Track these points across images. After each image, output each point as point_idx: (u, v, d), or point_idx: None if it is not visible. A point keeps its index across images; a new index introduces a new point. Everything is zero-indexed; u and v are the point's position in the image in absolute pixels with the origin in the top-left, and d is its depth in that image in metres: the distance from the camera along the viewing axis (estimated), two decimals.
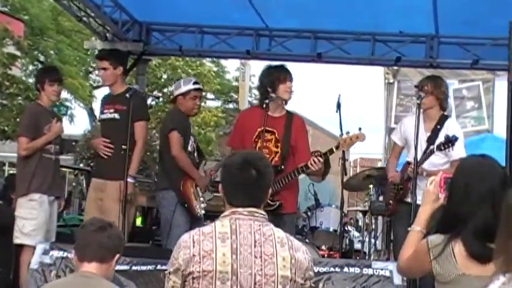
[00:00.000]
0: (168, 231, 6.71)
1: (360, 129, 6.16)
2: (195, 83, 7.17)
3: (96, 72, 16.35)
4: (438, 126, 6.56)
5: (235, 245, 3.22)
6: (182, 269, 3.21)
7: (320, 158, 6.07)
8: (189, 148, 6.91)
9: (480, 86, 14.29)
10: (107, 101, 7.04)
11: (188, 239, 3.25)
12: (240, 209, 3.32)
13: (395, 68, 13.52)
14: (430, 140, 6.49)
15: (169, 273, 3.28)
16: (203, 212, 6.81)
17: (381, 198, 8.56)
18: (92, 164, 7.08)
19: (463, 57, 8.68)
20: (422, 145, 6.44)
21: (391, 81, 14.87)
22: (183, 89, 6.98)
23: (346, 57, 9.01)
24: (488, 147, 9.63)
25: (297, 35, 8.85)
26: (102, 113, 7.02)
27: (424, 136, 6.48)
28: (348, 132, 6.15)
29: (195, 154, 7.03)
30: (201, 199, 6.83)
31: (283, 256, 3.25)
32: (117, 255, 3.69)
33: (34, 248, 5.94)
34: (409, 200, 6.26)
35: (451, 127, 6.64)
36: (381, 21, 8.35)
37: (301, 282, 3.29)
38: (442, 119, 6.61)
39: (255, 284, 3.19)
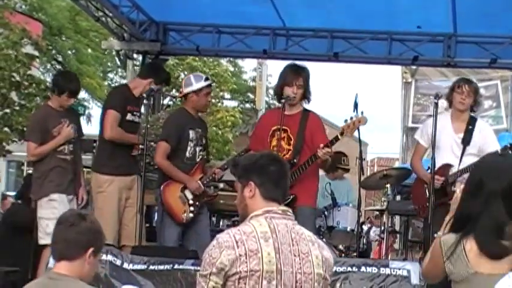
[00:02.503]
0: (160, 231, 6.78)
1: (362, 112, 6.16)
2: (206, 79, 7.14)
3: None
4: (470, 127, 6.48)
5: (277, 244, 3.27)
6: (227, 269, 3.19)
7: (328, 148, 6.05)
8: (188, 154, 6.82)
9: (498, 84, 14.24)
10: (135, 102, 7.00)
11: (229, 238, 3.24)
12: (274, 208, 3.37)
13: (414, 67, 13.49)
14: (465, 141, 6.42)
15: (209, 274, 3.22)
16: (191, 215, 6.75)
17: (397, 197, 8.53)
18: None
19: (481, 56, 8.64)
20: (454, 147, 6.38)
21: (409, 80, 14.85)
22: (196, 86, 6.92)
23: (363, 57, 8.99)
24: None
25: (313, 34, 8.84)
26: (132, 113, 6.96)
27: (454, 137, 6.40)
28: (351, 118, 6.13)
29: (199, 157, 6.92)
30: (190, 202, 6.77)
31: (315, 254, 3.34)
32: (91, 250, 3.46)
33: None
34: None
35: (484, 128, 6.61)
36: (398, 20, 8.33)
37: (329, 279, 3.40)
38: (472, 120, 6.56)
39: (296, 282, 3.26)
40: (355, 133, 6.33)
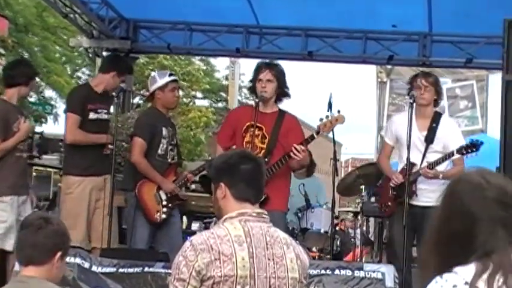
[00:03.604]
0: (131, 233, 6.75)
1: (338, 111, 6.12)
2: (170, 74, 7.16)
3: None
4: (434, 124, 6.46)
5: (251, 248, 3.24)
6: (203, 273, 3.17)
7: (302, 146, 6.02)
8: (160, 151, 6.82)
9: (474, 85, 14.35)
10: (98, 99, 6.93)
11: (204, 241, 3.21)
12: (248, 210, 3.34)
13: (389, 66, 13.56)
14: (428, 139, 6.42)
15: (188, 278, 3.17)
16: (164, 216, 6.74)
17: (372, 199, 8.55)
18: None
19: (456, 56, 8.71)
20: (418, 144, 6.36)
21: (384, 80, 14.93)
22: (160, 82, 6.92)
23: (338, 56, 9.03)
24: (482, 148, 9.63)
25: (287, 32, 8.86)
26: (95, 111, 6.90)
27: (418, 135, 6.38)
28: (327, 116, 6.11)
29: (170, 156, 6.93)
30: (164, 203, 6.77)
31: (290, 258, 3.32)
32: (59, 253, 3.42)
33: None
34: (414, 202, 6.23)
35: (448, 125, 6.61)
36: (374, 19, 8.38)
37: (304, 282, 3.38)
38: (437, 117, 6.55)
39: (269, 287, 3.24)
40: (330, 133, 6.34)
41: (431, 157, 6.34)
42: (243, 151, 3.55)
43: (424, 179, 6.29)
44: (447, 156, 6.28)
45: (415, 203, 6.24)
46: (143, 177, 6.74)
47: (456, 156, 6.29)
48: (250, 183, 3.39)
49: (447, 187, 2.33)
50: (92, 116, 6.81)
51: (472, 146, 6.19)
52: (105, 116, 6.96)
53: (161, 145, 6.80)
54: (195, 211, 8.88)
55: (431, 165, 6.28)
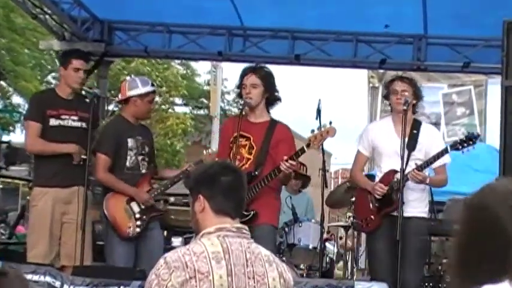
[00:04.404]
0: (107, 250, 6.74)
1: (330, 122, 6.06)
2: (152, 84, 7.14)
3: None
4: (415, 131, 6.42)
5: (230, 266, 3.24)
6: None
7: (292, 161, 6.02)
8: (129, 163, 6.79)
9: (472, 90, 14.40)
10: (62, 104, 6.86)
11: (178, 259, 3.21)
12: (227, 225, 3.33)
13: (381, 71, 13.59)
14: (410, 146, 6.35)
15: None
16: (138, 230, 6.71)
17: None
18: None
19: (453, 60, 8.75)
20: (399, 152, 6.22)
21: (376, 85, 14.96)
22: (142, 90, 6.86)
23: (327, 59, 9.06)
24: (482, 158, 9.68)
25: (273, 34, 8.88)
26: (58, 117, 6.83)
27: (398, 142, 6.27)
28: (318, 128, 6.08)
29: (143, 167, 6.89)
30: (137, 216, 6.74)
31: (273, 276, 3.32)
32: None
33: None
34: (395, 213, 6.22)
35: (429, 131, 6.59)
36: (365, 20, 8.40)
37: None
38: (416, 124, 6.52)
39: None
40: None
41: (413, 165, 6.34)
42: (223, 162, 3.56)
43: (407, 188, 6.27)
44: (439, 154, 6.25)
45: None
46: (108, 190, 6.71)
47: (438, 163, 6.29)
48: (230, 196, 3.39)
49: (472, 199, 2.18)
50: (54, 122, 6.73)
51: (468, 140, 6.15)
52: (74, 124, 6.84)
53: (129, 157, 6.75)
54: (175, 226, 8.86)
55: (421, 167, 6.26)
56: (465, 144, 6.15)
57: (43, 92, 7.39)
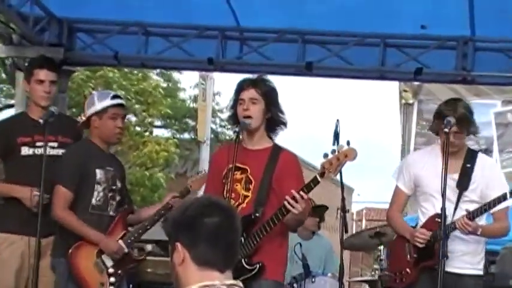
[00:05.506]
0: None
1: (348, 143, 5.97)
2: (114, 96, 7.08)
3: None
4: (468, 165, 6.51)
5: None
6: None
7: (302, 194, 5.94)
8: (95, 201, 6.78)
9: None
10: (36, 129, 6.87)
11: None
12: (216, 282, 3.28)
13: (416, 83, 13.62)
14: (461, 185, 6.43)
15: None
16: None
17: None
18: None
19: (508, 69, 8.74)
20: (448, 192, 6.30)
21: (410, 101, 14.98)
22: (98, 106, 6.87)
23: (346, 69, 9.05)
24: None
25: (278, 37, 8.89)
26: (31, 145, 6.86)
27: (448, 178, 6.31)
28: (334, 151, 5.98)
29: (111, 207, 6.88)
30: (110, 271, 6.73)
31: None
32: None
33: None
34: (445, 268, 6.23)
35: (486, 165, 6.64)
36: (395, 19, 8.42)
37: None
38: (471, 155, 6.59)
39: None
40: (337, 175, 6.32)
41: (465, 207, 6.36)
42: (208, 198, 3.48)
43: (456, 237, 6.30)
44: (499, 199, 6.28)
45: (445, 268, 6.24)
46: (79, 238, 6.69)
47: (498, 207, 6.32)
48: (217, 243, 3.32)
49: None
50: (26, 151, 6.80)
51: None
52: (53, 152, 6.89)
53: (95, 193, 6.76)
54: (151, 281, 8.85)
55: (471, 215, 6.29)
56: None
57: (8, 119, 7.50)
